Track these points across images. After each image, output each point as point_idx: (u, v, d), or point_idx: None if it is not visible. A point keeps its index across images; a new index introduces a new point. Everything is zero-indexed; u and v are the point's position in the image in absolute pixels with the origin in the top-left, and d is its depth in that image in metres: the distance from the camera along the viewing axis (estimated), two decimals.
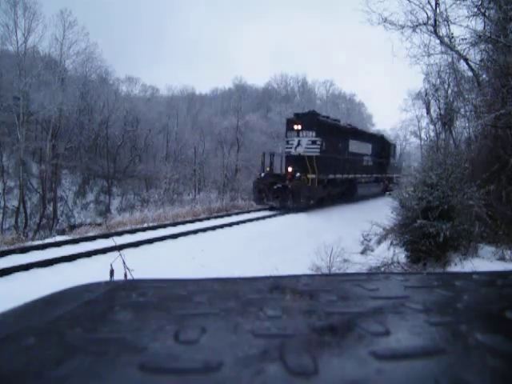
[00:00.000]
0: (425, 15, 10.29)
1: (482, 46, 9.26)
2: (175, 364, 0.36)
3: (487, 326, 0.48)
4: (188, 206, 18.96)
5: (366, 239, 9.47)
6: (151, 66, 73.21)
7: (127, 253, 4.55)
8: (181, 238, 10.46)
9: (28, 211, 25.90)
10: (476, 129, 9.50)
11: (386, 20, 10.51)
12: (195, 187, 32.61)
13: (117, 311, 0.52)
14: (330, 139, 17.50)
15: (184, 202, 24.55)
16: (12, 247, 8.70)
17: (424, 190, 6.32)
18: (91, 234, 10.66)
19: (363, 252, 8.58)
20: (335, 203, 18.74)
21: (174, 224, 12.96)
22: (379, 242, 8.85)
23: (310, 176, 15.85)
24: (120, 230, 11.21)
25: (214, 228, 12.32)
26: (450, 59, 11.80)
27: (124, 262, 3.37)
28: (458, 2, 9.32)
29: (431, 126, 18.10)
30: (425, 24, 10.26)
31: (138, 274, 2.86)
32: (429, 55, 10.73)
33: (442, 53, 10.97)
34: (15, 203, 25.52)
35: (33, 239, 12.94)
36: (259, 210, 16.77)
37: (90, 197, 30.57)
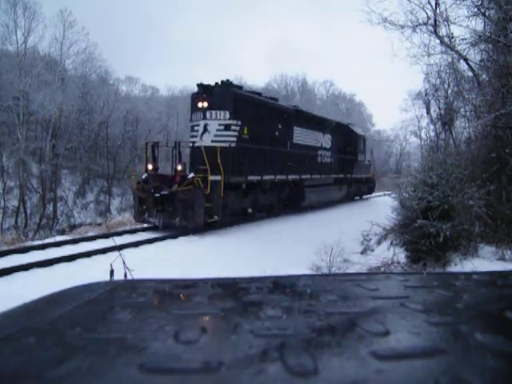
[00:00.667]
0: (425, 15, 10.31)
1: (482, 46, 9.27)
2: (175, 364, 0.36)
3: (487, 326, 0.48)
4: None
5: (365, 239, 9.47)
6: (151, 66, 73.26)
7: (127, 253, 4.54)
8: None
9: (28, 211, 25.91)
10: (476, 129, 9.50)
11: (385, 20, 10.53)
12: None
13: (117, 311, 0.52)
14: (256, 124, 11.75)
15: None
16: (12, 247, 8.71)
17: (424, 190, 6.33)
18: (91, 233, 10.65)
19: (363, 252, 8.58)
20: (269, 217, 13.08)
21: None
22: (379, 242, 8.86)
23: (213, 178, 10.07)
24: (120, 230, 11.20)
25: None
26: (450, 59, 11.82)
27: (124, 262, 3.37)
28: (458, 2, 9.33)
29: (431, 126, 18.10)
30: (425, 24, 10.27)
31: (138, 274, 2.86)
32: (429, 55, 10.75)
33: (442, 53, 10.99)
34: (15, 203, 25.53)
35: (33, 239, 12.94)
36: (146, 229, 10.86)
37: (90, 197, 30.57)
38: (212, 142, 11.03)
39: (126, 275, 3.26)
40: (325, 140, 16.90)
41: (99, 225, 14.34)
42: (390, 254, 6.76)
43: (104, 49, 59.00)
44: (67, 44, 29.55)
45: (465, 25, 9.45)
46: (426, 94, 17.89)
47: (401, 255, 6.61)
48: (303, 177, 14.68)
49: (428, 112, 18.28)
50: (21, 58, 26.34)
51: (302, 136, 14.74)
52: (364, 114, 53.08)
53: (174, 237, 9.77)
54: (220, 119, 11.29)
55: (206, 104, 11.31)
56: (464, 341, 0.41)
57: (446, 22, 10.02)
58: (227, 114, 11.21)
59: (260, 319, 0.47)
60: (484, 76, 9.65)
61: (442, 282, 0.67)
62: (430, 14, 10.19)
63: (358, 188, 21.68)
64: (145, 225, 11.07)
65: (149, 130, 34.60)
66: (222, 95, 11.26)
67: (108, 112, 32.04)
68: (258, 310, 0.50)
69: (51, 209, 27.23)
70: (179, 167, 10.86)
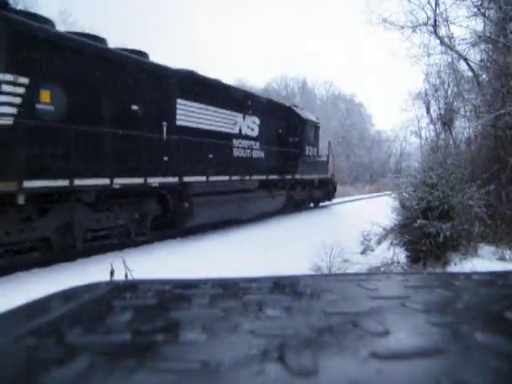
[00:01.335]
0: (425, 15, 10.34)
1: (482, 46, 9.28)
2: (175, 364, 0.36)
3: (487, 326, 0.48)
4: None
5: (366, 239, 9.47)
6: None
7: (127, 253, 4.53)
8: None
9: None
10: (476, 129, 9.50)
11: (385, 20, 10.57)
12: None
13: (117, 311, 0.52)
14: (81, 89, 6.66)
15: None
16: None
17: (424, 190, 6.33)
18: None
19: (363, 252, 8.58)
20: (106, 250, 7.34)
21: None
22: (379, 242, 8.86)
23: None
24: None
25: None
26: (449, 59, 11.83)
27: (124, 262, 3.37)
28: (458, 2, 9.35)
29: (431, 126, 18.07)
30: (425, 24, 10.30)
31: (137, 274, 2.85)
32: (429, 55, 10.78)
33: (441, 53, 11.00)
34: None
35: None
36: None
37: None
38: None
39: (126, 275, 3.26)
40: (247, 125, 11.43)
41: None
42: (390, 254, 6.76)
43: None
44: None
45: (465, 25, 9.51)
46: (426, 94, 17.87)
47: (401, 255, 6.61)
48: (190, 180, 9.02)
49: (428, 112, 18.25)
50: None
51: (195, 116, 9.36)
52: (364, 115, 53.10)
53: None
54: None
55: None
56: (464, 341, 0.41)
57: (445, 22, 10.05)
58: None
59: (260, 319, 0.47)
60: (484, 76, 9.66)
61: (441, 282, 0.67)
62: (430, 14, 10.23)
63: (308, 193, 15.84)
64: None
65: None
66: None
67: None
68: (258, 310, 0.50)
69: None
70: None
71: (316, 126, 16.38)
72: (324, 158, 17.26)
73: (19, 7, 24.82)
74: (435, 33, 10.15)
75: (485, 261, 5.77)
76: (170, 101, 8.67)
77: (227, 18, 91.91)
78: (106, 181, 7.07)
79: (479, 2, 8.81)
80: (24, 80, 5.77)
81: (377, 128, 55.46)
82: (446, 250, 6.05)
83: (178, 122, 8.87)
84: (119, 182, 7.30)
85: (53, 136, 6.17)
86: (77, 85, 6.62)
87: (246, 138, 11.41)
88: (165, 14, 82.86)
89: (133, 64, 7.80)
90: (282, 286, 0.68)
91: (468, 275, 0.73)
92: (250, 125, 11.59)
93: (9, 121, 5.55)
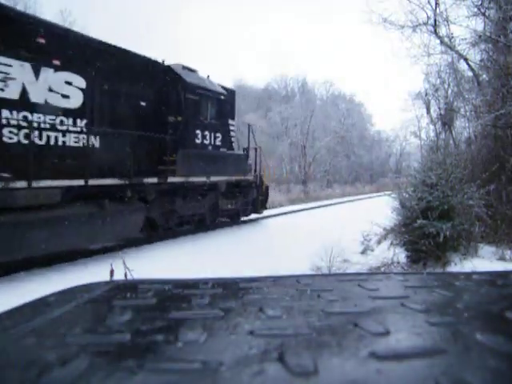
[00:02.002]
0: (425, 15, 10.32)
1: (482, 46, 9.27)
2: (175, 364, 0.36)
3: (487, 326, 0.48)
4: None
5: (365, 239, 9.47)
6: None
7: (127, 252, 4.53)
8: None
9: None
10: (476, 129, 9.50)
11: (385, 20, 10.54)
12: None
13: (117, 311, 0.52)
14: None
15: None
16: None
17: (424, 190, 6.33)
18: None
19: (363, 252, 8.57)
20: None
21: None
22: (379, 242, 8.85)
23: None
24: None
25: None
26: (449, 59, 11.81)
27: (124, 262, 3.37)
28: (458, 2, 9.34)
29: (431, 126, 18.07)
30: (425, 24, 10.28)
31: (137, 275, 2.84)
32: (429, 55, 10.75)
33: (442, 53, 10.99)
34: None
35: None
36: None
37: None
38: None
39: (126, 275, 3.26)
40: (49, 86, 6.65)
41: None
42: (390, 254, 6.76)
43: None
44: None
45: (465, 25, 9.48)
46: (426, 94, 17.87)
47: (401, 255, 6.61)
48: None
49: (428, 112, 18.26)
50: None
51: None
52: (364, 114, 53.06)
53: None
54: None
55: None
56: (464, 341, 0.41)
57: (445, 22, 10.03)
58: None
59: (260, 319, 0.47)
60: (484, 76, 9.65)
61: (441, 282, 0.67)
62: (430, 14, 10.21)
63: (209, 205, 10.66)
64: None
65: None
66: None
67: None
68: (258, 310, 0.50)
69: None
70: None
71: (221, 99, 10.51)
72: (240, 152, 12.26)
73: (19, 7, 24.87)
74: (435, 33, 10.14)
75: (485, 261, 5.77)
76: None
77: (227, 18, 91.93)
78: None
79: (479, 2, 8.81)
80: None
81: (377, 128, 55.47)
82: (446, 250, 6.05)
83: None
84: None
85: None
86: None
87: (46, 109, 6.58)
88: (165, 14, 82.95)
89: None
90: (282, 285, 0.68)
91: (468, 275, 0.73)
92: (56, 87, 6.74)
93: None
